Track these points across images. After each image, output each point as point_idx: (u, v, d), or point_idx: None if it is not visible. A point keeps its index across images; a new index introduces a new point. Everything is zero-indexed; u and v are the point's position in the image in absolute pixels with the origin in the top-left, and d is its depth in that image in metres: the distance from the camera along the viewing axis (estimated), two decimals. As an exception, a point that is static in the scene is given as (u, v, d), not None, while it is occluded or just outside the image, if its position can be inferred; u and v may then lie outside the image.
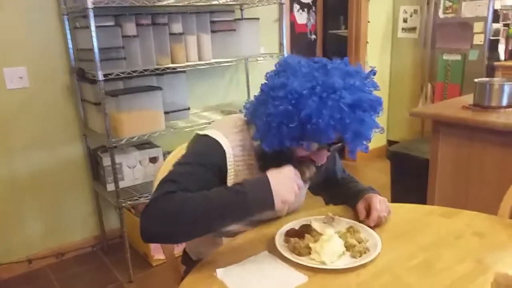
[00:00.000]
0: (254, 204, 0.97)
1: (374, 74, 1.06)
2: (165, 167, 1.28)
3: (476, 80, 2.07)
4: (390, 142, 4.25)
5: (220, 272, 0.98)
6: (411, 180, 2.55)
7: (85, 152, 2.59)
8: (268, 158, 1.09)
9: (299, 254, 1.03)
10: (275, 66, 1.09)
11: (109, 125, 2.15)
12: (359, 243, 1.06)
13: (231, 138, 1.11)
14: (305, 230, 1.11)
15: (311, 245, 1.04)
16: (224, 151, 1.09)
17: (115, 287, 2.34)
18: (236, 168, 1.11)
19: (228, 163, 1.10)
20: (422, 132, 4.12)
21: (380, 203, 1.18)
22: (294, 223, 1.17)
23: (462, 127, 1.98)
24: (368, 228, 1.14)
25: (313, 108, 0.94)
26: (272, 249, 1.05)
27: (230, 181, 1.11)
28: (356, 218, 1.21)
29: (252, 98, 1.14)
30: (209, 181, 1.06)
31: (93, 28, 1.99)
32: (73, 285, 2.37)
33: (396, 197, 2.74)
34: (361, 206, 1.20)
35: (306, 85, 0.97)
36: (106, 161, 2.34)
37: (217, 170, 1.09)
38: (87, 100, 2.39)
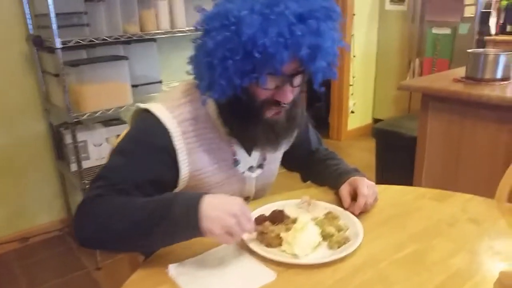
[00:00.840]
0: (177, 226, 0.80)
1: None
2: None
3: (469, 50, 1.92)
4: (376, 121, 4.11)
5: (172, 269, 0.82)
6: (397, 159, 2.42)
7: (48, 129, 2.38)
8: (228, 114, 0.94)
9: (268, 245, 0.88)
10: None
11: (69, 99, 1.95)
12: (338, 231, 0.91)
13: (176, 112, 0.95)
14: (277, 216, 0.95)
15: (282, 234, 0.88)
16: (166, 130, 0.92)
17: (82, 274, 2.18)
18: (188, 146, 0.95)
19: (175, 143, 0.93)
20: (409, 110, 3.99)
21: (368, 188, 1.03)
22: (265, 208, 1.01)
23: (453, 102, 1.83)
24: (350, 214, 0.99)
25: (255, 28, 0.79)
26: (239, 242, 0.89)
27: (184, 163, 0.95)
28: (337, 201, 1.06)
29: None
30: (154, 170, 0.92)
31: (47, -12, 1.77)
32: (37, 272, 2.21)
33: (381, 177, 2.61)
34: (345, 191, 1.05)
35: (244, 6, 0.81)
36: (69, 138, 2.14)
37: (164, 153, 0.93)
38: (48, 72, 2.18)
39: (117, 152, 0.94)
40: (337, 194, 1.08)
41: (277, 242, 0.88)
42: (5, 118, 2.25)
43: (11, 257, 2.34)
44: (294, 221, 0.93)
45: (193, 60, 0.93)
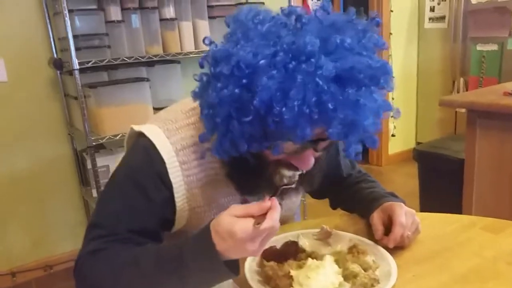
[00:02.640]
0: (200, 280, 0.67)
1: (378, 24, 0.68)
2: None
3: (522, 59, 1.69)
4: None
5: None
6: (443, 185, 2.17)
7: (72, 154, 2.34)
8: (232, 171, 0.77)
9: (276, 286, 0.71)
10: (226, 24, 0.71)
11: (88, 122, 1.89)
12: (364, 270, 0.73)
13: (175, 138, 0.79)
14: (290, 250, 0.79)
15: (292, 273, 0.71)
16: (163, 160, 0.77)
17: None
18: (188, 179, 0.79)
19: (171, 177, 0.77)
20: (455, 133, 3.72)
21: (407, 216, 0.84)
22: (278, 239, 0.84)
23: (504, 118, 1.61)
24: (380, 248, 0.81)
25: (272, 88, 0.59)
26: (240, 279, 0.73)
27: (181, 200, 0.79)
28: (367, 233, 0.88)
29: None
30: (153, 212, 0.78)
31: (65, 9, 1.74)
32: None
33: (426, 206, 2.36)
34: (377, 219, 0.87)
35: (264, 51, 0.61)
36: (90, 163, 2.07)
37: (160, 190, 0.78)
38: (70, 95, 2.15)
39: (111, 190, 0.80)
40: (368, 224, 0.90)
41: (286, 282, 0.71)
42: (30, 142, 2.22)
43: (34, 285, 2.28)
44: (310, 255, 0.76)
45: (196, 95, 0.73)
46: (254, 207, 0.62)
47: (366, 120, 0.63)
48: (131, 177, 0.78)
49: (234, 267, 0.65)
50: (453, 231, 0.91)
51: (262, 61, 0.60)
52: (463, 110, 3.38)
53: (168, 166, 0.76)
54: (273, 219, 0.61)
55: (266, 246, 0.78)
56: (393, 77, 0.69)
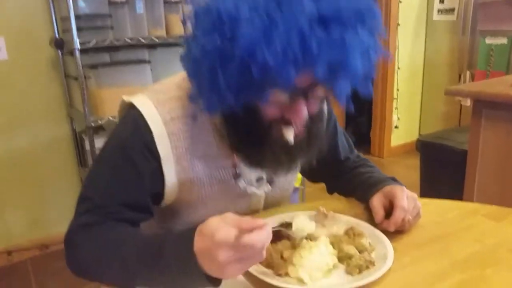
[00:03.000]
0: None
1: None
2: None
3: (531, 50, 1.65)
4: (423, 138, 3.82)
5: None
6: (445, 176, 2.14)
7: (71, 135, 2.32)
8: (228, 129, 0.75)
9: (269, 266, 0.69)
10: None
11: (88, 103, 1.87)
12: (360, 253, 0.71)
13: (164, 108, 0.76)
14: (284, 231, 0.77)
15: (285, 253, 0.69)
16: (150, 130, 0.75)
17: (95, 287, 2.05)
18: (177, 151, 0.77)
19: (159, 147, 0.75)
20: (460, 126, 3.67)
21: (408, 200, 0.81)
22: (273, 220, 0.82)
23: (511, 108, 1.57)
24: (377, 231, 0.79)
25: (255, 36, 0.58)
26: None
27: (170, 173, 0.77)
28: (366, 216, 0.85)
29: None
30: (141, 185, 0.76)
31: (67, -13, 1.71)
32: (52, 281, 2.11)
33: (426, 196, 2.33)
34: (377, 203, 0.84)
35: (244, 1, 0.60)
36: (88, 144, 2.06)
37: (149, 162, 0.75)
38: (70, 76, 2.12)
39: (101, 162, 0.79)
40: (367, 208, 0.88)
41: (279, 262, 0.69)
42: (29, 123, 2.21)
43: (29, 264, 2.27)
44: (305, 237, 0.74)
45: (184, 60, 0.71)
46: (247, 220, 0.57)
47: (354, 60, 0.61)
48: (119, 149, 0.76)
49: (214, 280, 0.59)
50: (454, 217, 0.89)
51: (244, 10, 0.59)
52: (468, 103, 3.34)
53: (155, 136, 0.75)
54: (256, 238, 0.54)
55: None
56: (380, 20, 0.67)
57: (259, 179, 0.87)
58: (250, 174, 0.85)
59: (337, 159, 1.03)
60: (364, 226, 0.80)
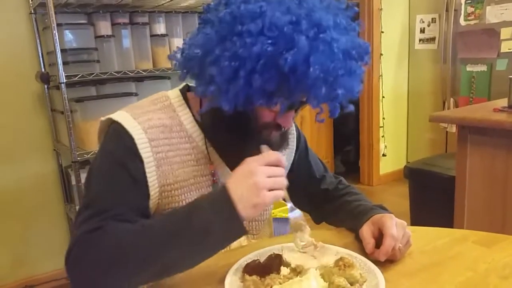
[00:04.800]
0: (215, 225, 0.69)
1: (356, 13, 0.78)
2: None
3: (511, 76, 1.70)
4: (410, 165, 3.84)
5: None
6: (434, 203, 2.15)
7: (57, 170, 2.28)
8: (218, 125, 0.82)
9: (258, 301, 0.67)
10: None
11: (74, 137, 1.85)
12: (351, 284, 0.69)
13: (142, 118, 0.82)
14: (273, 263, 0.75)
15: (275, 287, 0.67)
16: (132, 137, 0.79)
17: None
18: (158, 156, 0.81)
19: (141, 152, 0.79)
20: (447, 152, 3.71)
21: (398, 228, 0.81)
22: (262, 253, 0.81)
23: (496, 134, 1.60)
24: (368, 262, 0.77)
25: (301, 52, 0.67)
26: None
27: (152, 175, 0.80)
28: (356, 246, 0.84)
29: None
30: (135, 187, 0.79)
31: (53, 22, 1.72)
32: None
33: (417, 223, 2.32)
34: (367, 232, 0.84)
35: (285, 18, 0.68)
36: (74, 179, 2.02)
37: (136, 162, 0.79)
38: (57, 110, 2.11)
39: (95, 174, 0.80)
40: (357, 238, 0.87)
41: (268, 297, 0.67)
42: (14, 158, 2.17)
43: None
44: (295, 269, 0.72)
45: (195, 52, 0.74)
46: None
47: (357, 87, 0.76)
48: (109, 158, 0.79)
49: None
50: (444, 245, 0.88)
51: (286, 27, 0.68)
52: (454, 130, 3.39)
53: (137, 142, 0.79)
54: (277, 154, 0.73)
55: (249, 260, 0.75)
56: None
57: None
58: None
59: (313, 178, 1.07)
60: (354, 257, 0.79)
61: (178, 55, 0.80)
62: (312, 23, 0.69)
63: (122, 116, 0.81)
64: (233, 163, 0.83)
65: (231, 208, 0.67)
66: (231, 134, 0.81)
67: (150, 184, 0.80)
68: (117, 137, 0.80)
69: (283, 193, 0.72)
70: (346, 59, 0.71)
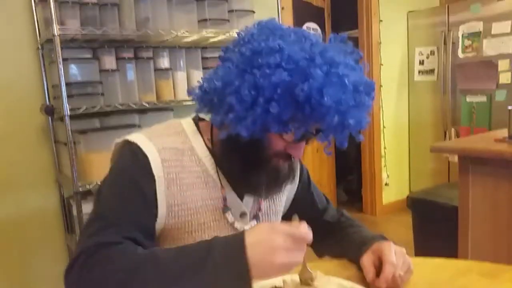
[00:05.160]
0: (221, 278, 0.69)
1: (361, 57, 0.84)
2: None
3: (510, 107, 1.72)
4: (413, 194, 3.82)
5: None
6: (438, 234, 2.12)
7: (59, 202, 2.28)
8: (230, 152, 0.85)
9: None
10: (243, 32, 0.84)
11: (77, 168, 1.86)
12: (354, 317, 0.68)
13: (157, 141, 0.86)
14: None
15: (276, 320, 0.66)
16: (146, 155, 0.83)
17: None
18: (169, 176, 0.84)
19: (155, 170, 0.83)
20: (449, 181, 3.70)
21: (397, 255, 0.83)
22: (264, 285, 0.80)
23: (497, 164, 1.60)
24: (371, 293, 0.76)
25: (316, 83, 0.73)
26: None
27: (161, 195, 0.83)
28: (358, 277, 0.83)
29: None
30: (146, 205, 0.82)
31: (59, 57, 1.77)
32: None
33: (420, 254, 2.29)
34: (367, 261, 0.85)
35: (301, 53, 0.75)
36: (76, 210, 2.02)
37: (149, 179, 0.83)
38: (60, 141, 2.13)
39: (106, 190, 0.83)
40: (359, 268, 0.87)
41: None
42: (17, 189, 2.17)
43: None
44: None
45: (215, 85, 0.80)
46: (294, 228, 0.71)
47: (365, 119, 0.81)
48: (122, 176, 0.83)
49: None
50: (449, 277, 0.87)
51: (301, 61, 0.74)
52: (456, 159, 3.40)
53: (151, 160, 0.83)
54: (306, 231, 0.71)
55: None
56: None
57: (242, 215, 0.93)
58: (236, 209, 0.91)
59: (315, 209, 1.08)
60: (355, 287, 0.78)
61: (197, 90, 0.85)
62: (325, 60, 0.75)
63: (138, 137, 0.86)
64: (241, 189, 0.91)
65: (245, 271, 0.67)
66: (242, 161, 0.84)
67: (159, 203, 0.83)
68: (132, 156, 0.83)
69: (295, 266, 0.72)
70: (356, 92, 0.77)
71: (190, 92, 0.87)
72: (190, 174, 0.87)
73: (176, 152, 0.87)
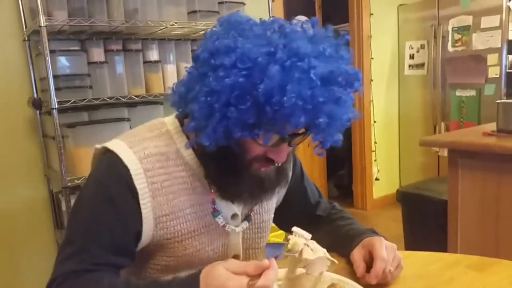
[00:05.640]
0: None
1: (347, 41, 0.76)
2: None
3: (498, 101, 1.73)
4: (403, 189, 3.84)
5: None
6: (428, 227, 2.14)
7: (47, 196, 2.26)
8: (208, 161, 0.80)
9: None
10: (213, 28, 0.77)
11: (65, 162, 1.84)
12: (343, 311, 0.68)
13: (138, 147, 0.80)
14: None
15: (265, 314, 0.66)
16: (126, 167, 0.78)
17: None
18: (153, 186, 0.79)
19: (136, 183, 0.78)
20: (439, 175, 3.73)
21: (388, 251, 0.82)
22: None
23: (486, 157, 1.61)
24: (360, 287, 0.76)
25: (274, 81, 0.66)
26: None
27: (146, 208, 0.79)
28: (348, 271, 0.83)
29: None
30: (121, 224, 0.77)
31: (46, 49, 1.74)
32: None
33: (410, 248, 2.31)
34: (358, 256, 0.85)
35: (261, 49, 0.68)
36: (65, 205, 2.00)
37: (127, 196, 0.78)
38: (48, 135, 2.10)
39: (80, 206, 0.80)
40: (349, 263, 0.87)
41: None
42: (4, 183, 2.14)
43: None
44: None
45: (180, 90, 0.79)
46: (252, 265, 0.63)
47: (345, 114, 0.73)
48: (98, 191, 0.78)
49: None
50: (437, 270, 0.87)
51: (260, 58, 0.67)
52: (445, 154, 3.42)
53: (132, 172, 0.78)
54: (268, 279, 0.62)
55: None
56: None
57: (233, 216, 0.89)
58: (227, 211, 0.88)
59: (308, 203, 1.06)
60: (346, 282, 0.78)
61: (172, 94, 0.82)
62: (289, 53, 0.68)
63: (117, 145, 0.80)
64: (227, 195, 0.84)
65: None
66: (218, 169, 0.79)
67: (144, 216, 0.79)
68: (111, 168, 0.78)
69: None
70: (327, 86, 0.69)
71: (166, 96, 0.84)
72: (175, 180, 0.82)
73: (160, 158, 0.81)
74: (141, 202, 0.78)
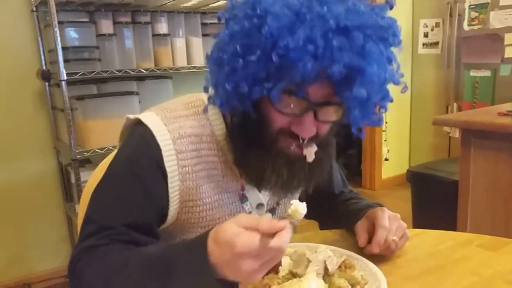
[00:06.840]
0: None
1: (391, 7, 0.69)
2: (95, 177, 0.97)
3: (516, 80, 1.68)
4: (413, 170, 3.81)
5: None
6: (438, 207, 2.12)
7: (57, 168, 2.27)
8: (234, 136, 0.76)
9: (256, 302, 0.65)
10: None
11: (74, 135, 1.84)
12: (352, 286, 0.67)
13: (173, 126, 0.76)
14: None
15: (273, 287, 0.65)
16: (159, 146, 0.74)
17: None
18: (183, 170, 0.76)
19: (167, 165, 0.74)
20: (450, 157, 3.69)
21: (390, 220, 0.80)
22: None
23: (500, 137, 1.57)
24: (370, 263, 0.75)
25: (281, 24, 0.61)
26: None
27: (174, 190, 0.76)
28: (357, 247, 0.82)
29: None
30: (148, 201, 0.74)
31: (55, 20, 1.72)
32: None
33: (419, 227, 2.29)
34: (361, 227, 0.84)
35: (280, 0, 0.64)
36: (74, 177, 2.00)
37: (157, 175, 0.74)
38: (57, 108, 2.10)
39: (106, 182, 0.76)
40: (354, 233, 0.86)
41: (267, 298, 0.65)
42: (14, 155, 2.16)
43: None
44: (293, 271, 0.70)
45: (207, 59, 0.74)
46: (265, 222, 0.55)
47: (371, 68, 0.63)
48: (127, 167, 0.75)
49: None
50: (448, 248, 0.86)
51: (277, 6, 0.63)
52: (457, 135, 3.37)
53: (164, 154, 0.74)
54: (282, 240, 0.54)
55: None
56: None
57: (259, 206, 0.86)
58: (254, 200, 0.85)
59: (331, 193, 1.02)
60: (355, 258, 0.77)
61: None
62: (307, 1, 0.63)
63: (153, 120, 0.76)
64: (253, 176, 0.78)
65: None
66: (245, 141, 0.74)
67: (171, 199, 0.76)
68: (143, 146, 0.75)
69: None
70: (348, 34, 0.61)
71: (175, 70, 0.80)
72: (206, 165, 0.78)
73: (194, 140, 0.77)
74: (169, 185, 0.75)
